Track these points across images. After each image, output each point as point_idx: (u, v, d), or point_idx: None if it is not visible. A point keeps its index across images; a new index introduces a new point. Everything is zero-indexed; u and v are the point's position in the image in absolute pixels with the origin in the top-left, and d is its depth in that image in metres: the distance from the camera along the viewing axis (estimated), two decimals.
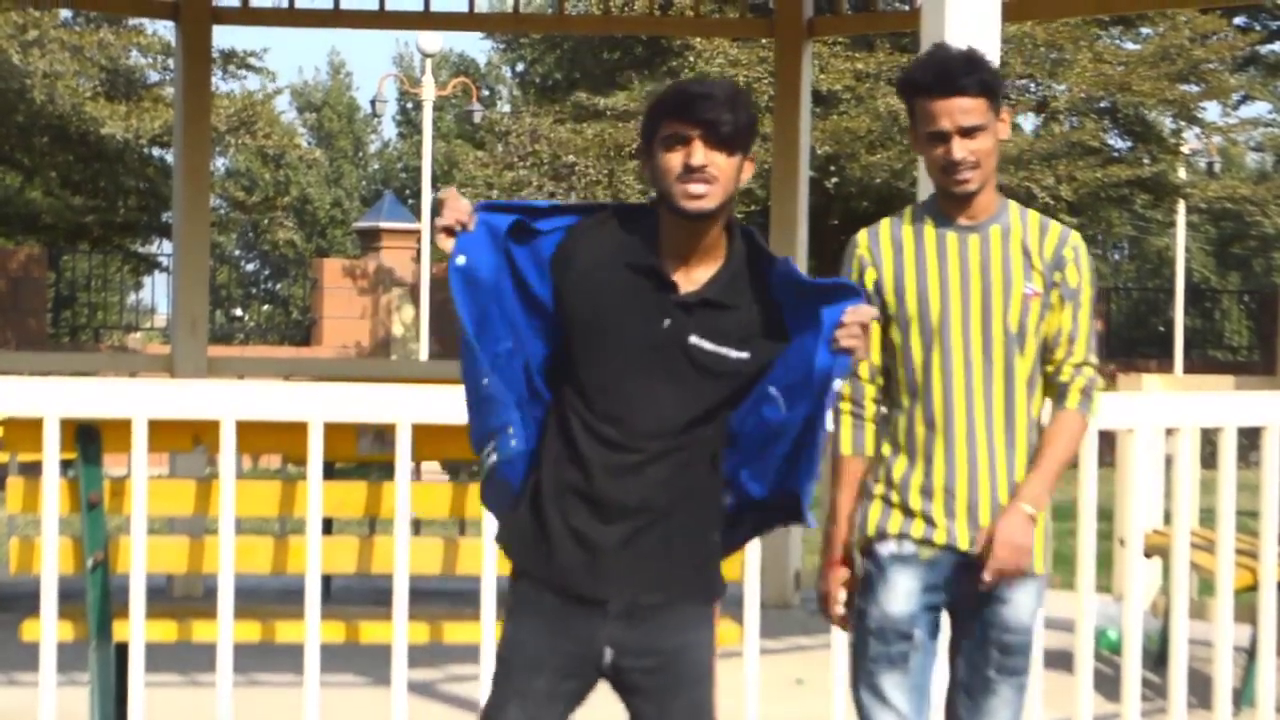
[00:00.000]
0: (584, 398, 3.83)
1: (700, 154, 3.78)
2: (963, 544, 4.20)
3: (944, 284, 4.21)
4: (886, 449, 4.28)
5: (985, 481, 4.20)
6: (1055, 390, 4.28)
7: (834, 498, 4.32)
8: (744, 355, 3.83)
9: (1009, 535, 4.15)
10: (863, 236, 4.32)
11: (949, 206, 4.26)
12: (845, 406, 4.30)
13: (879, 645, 4.24)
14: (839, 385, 3.79)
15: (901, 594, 4.23)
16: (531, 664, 3.88)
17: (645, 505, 3.82)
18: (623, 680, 3.91)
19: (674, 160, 3.80)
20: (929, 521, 4.21)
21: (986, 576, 4.16)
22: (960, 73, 4.16)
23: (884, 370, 4.29)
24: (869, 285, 4.25)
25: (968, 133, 4.15)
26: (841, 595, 4.31)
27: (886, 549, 4.24)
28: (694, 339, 3.82)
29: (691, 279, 3.85)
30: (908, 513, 4.23)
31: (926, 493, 4.21)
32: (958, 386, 4.19)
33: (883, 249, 4.27)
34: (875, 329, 4.21)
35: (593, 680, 3.93)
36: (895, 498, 4.24)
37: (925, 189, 5.50)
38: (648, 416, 3.82)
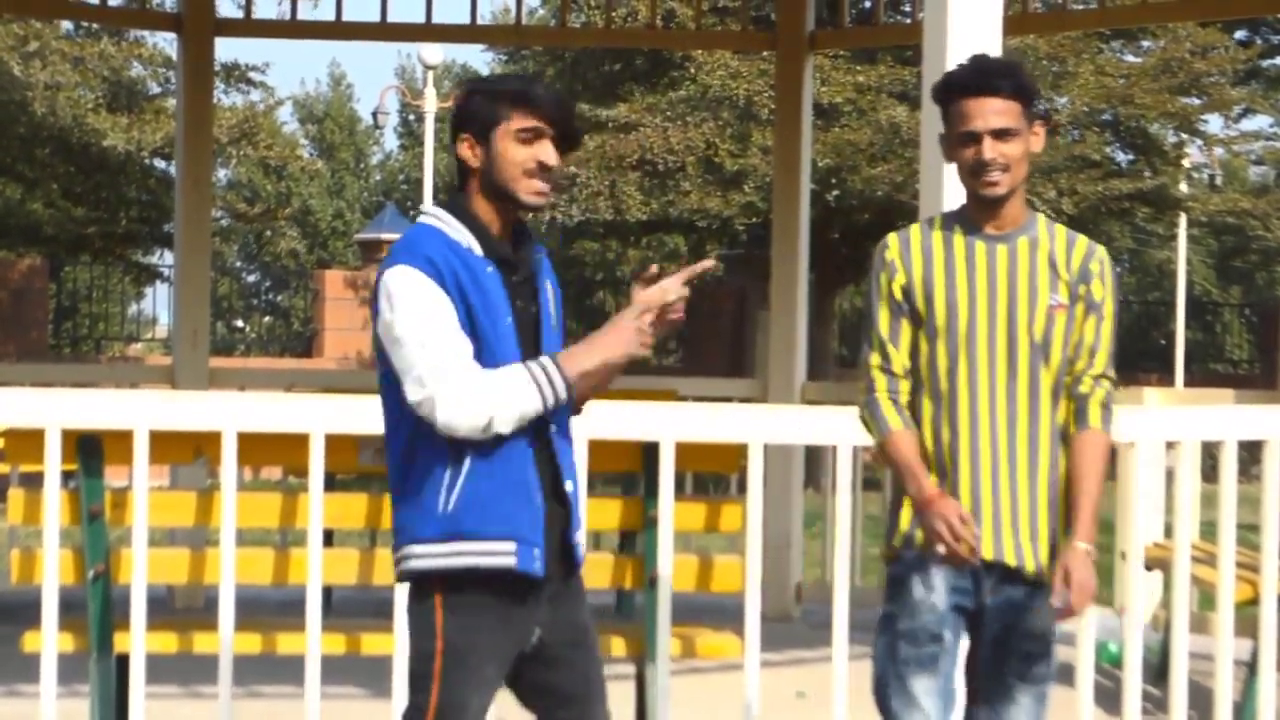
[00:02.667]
0: None
1: (553, 154, 3.98)
2: (988, 554, 4.21)
3: (972, 293, 4.24)
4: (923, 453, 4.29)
5: (1007, 492, 4.23)
6: (1075, 403, 4.31)
7: (902, 464, 4.23)
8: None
9: (1084, 580, 4.20)
10: (894, 240, 4.35)
11: (977, 214, 4.29)
12: (881, 396, 4.29)
13: (910, 648, 4.25)
14: None
15: (932, 598, 4.24)
16: (486, 655, 3.97)
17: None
18: (545, 656, 4.06)
19: (525, 153, 3.96)
20: None
21: (1058, 606, 4.21)
22: (996, 74, 4.25)
23: (913, 372, 4.31)
24: (896, 291, 4.28)
25: (1000, 135, 4.21)
26: (957, 523, 4.11)
27: (914, 553, 4.26)
28: (533, 308, 4.05)
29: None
30: None
31: (955, 498, 4.22)
32: (983, 396, 4.22)
33: (913, 255, 4.30)
34: (906, 332, 4.26)
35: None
36: None
37: (927, 202, 5.51)
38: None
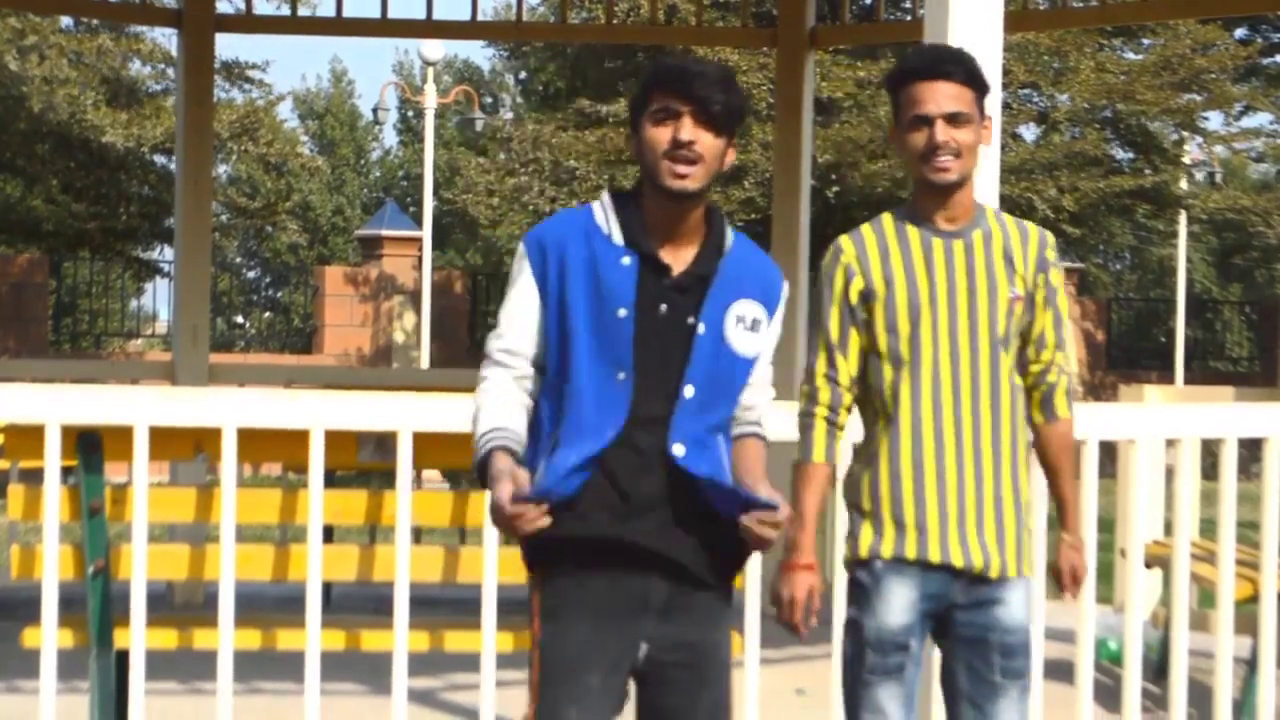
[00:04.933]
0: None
1: (689, 129, 3.77)
2: (957, 560, 4.18)
3: (933, 292, 4.19)
4: (879, 462, 4.24)
5: (973, 494, 4.18)
6: (1042, 392, 4.30)
7: (801, 502, 4.26)
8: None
9: (1077, 567, 4.38)
10: (848, 244, 4.27)
11: (928, 204, 4.22)
12: (820, 412, 4.29)
13: (876, 657, 4.23)
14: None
15: (899, 606, 4.21)
16: (583, 662, 3.81)
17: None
18: (653, 674, 3.88)
19: (662, 134, 3.79)
20: (922, 536, 4.19)
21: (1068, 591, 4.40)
22: (950, 60, 4.22)
23: (861, 379, 4.28)
24: (854, 296, 4.23)
25: (952, 119, 4.16)
26: (804, 601, 4.21)
27: (881, 563, 4.22)
28: (692, 320, 3.81)
29: (680, 258, 3.84)
30: (900, 528, 4.20)
31: (919, 505, 4.19)
32: (946, 398, 4.18)
33: (870, 256, 4.24)
34: (855, 340, 4.24)
35: (629, 675, 3.89)
36: (886, 513, 4.21)
37: None
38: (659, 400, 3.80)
